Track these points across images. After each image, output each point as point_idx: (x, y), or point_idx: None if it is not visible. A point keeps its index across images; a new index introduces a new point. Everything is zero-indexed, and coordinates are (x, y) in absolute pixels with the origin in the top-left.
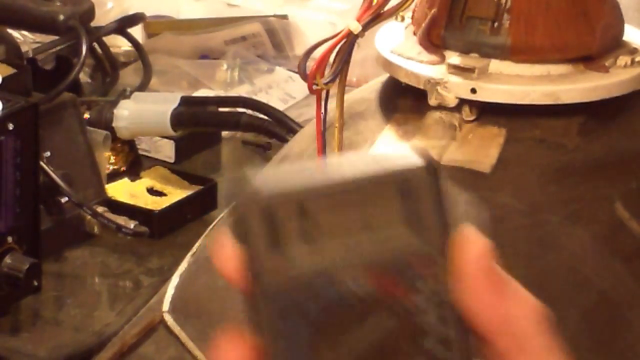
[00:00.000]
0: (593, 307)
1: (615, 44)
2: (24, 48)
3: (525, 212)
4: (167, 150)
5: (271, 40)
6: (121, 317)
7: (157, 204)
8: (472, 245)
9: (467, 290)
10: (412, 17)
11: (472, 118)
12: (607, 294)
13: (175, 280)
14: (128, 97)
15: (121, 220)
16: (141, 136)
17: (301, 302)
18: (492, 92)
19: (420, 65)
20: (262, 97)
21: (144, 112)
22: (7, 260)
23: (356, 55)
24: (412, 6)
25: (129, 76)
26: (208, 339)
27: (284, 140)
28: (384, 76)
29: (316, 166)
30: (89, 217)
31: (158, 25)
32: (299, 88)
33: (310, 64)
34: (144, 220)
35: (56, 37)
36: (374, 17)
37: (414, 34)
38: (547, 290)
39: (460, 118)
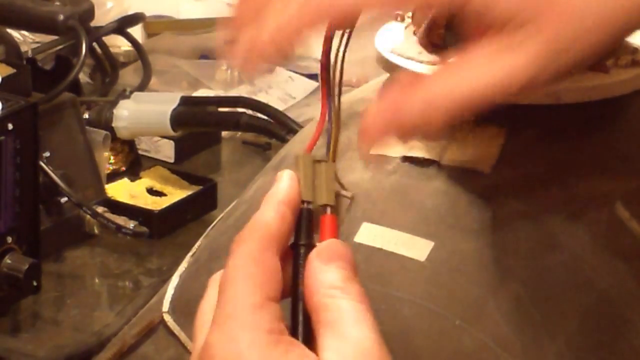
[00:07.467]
0: (593, 306)
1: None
2: (23, 48)
3: (525, 212)
4: (167, 150)
5: None
6: (121, 318)
7: (157, 204)
8: None
9: None
10: (412, 17)
11: (472, 118)
12: (607, 293)
13: (175, 280)
14: (128, 97)
15: (121, 220)
16: (141, 136)
17: None
18: None
19: (420, 65)
20: (262, 97)
21: (143, 112)
22: (7, 260)
23: (356, 55)
24: None
25: (128, 76)
26: None
27: (284, 140)
28: (384, 76)
29: None
30: (88, 217)
31: (158, 25)
32: (299, 88)
33: None
34: (144, 220)
35: (56, 37)
36: None
37: (414, 34)
38: (547, 290)
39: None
